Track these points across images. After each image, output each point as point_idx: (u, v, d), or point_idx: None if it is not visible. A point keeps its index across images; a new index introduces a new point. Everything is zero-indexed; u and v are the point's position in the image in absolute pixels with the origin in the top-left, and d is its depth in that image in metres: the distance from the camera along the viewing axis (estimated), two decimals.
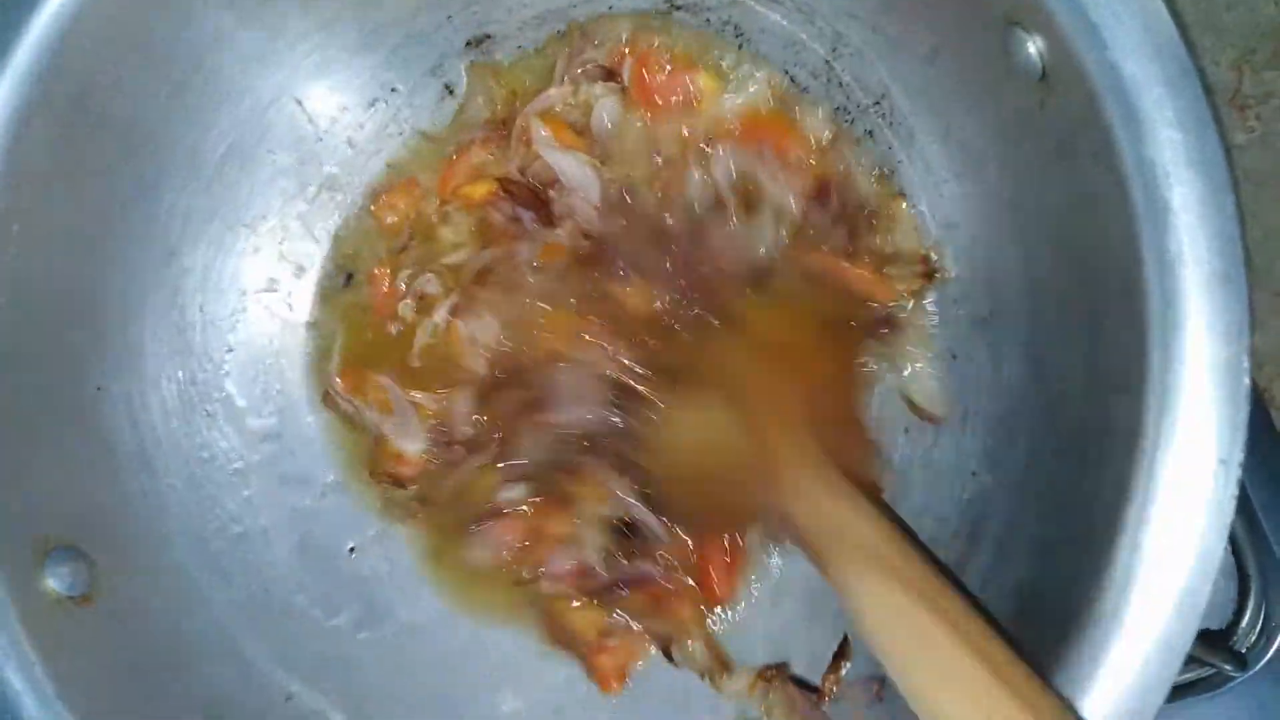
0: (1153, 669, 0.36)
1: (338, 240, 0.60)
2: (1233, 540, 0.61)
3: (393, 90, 0.60)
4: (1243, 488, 0.60)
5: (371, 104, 0.60)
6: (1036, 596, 0.43)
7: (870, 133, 0.55)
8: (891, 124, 0.54)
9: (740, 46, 0.56)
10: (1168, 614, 0.36)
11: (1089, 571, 0.38)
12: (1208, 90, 0.36)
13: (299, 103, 0.58)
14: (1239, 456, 0.35)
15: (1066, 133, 0.40)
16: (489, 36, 0.59)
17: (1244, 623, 0.60)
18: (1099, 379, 0.41)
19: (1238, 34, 0.68)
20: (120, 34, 0.48)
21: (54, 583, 0.46)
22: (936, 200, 0.53)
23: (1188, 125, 0.35)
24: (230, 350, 0.59)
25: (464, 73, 0.59)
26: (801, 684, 0.53)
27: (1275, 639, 0.59)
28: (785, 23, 0.54)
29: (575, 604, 0.55)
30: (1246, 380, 0.35)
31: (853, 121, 0.55)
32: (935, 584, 0.40)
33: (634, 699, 0.57)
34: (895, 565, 0.40)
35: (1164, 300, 0.36)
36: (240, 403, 0.59)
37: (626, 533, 0.53)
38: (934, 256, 0.53)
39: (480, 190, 0.58)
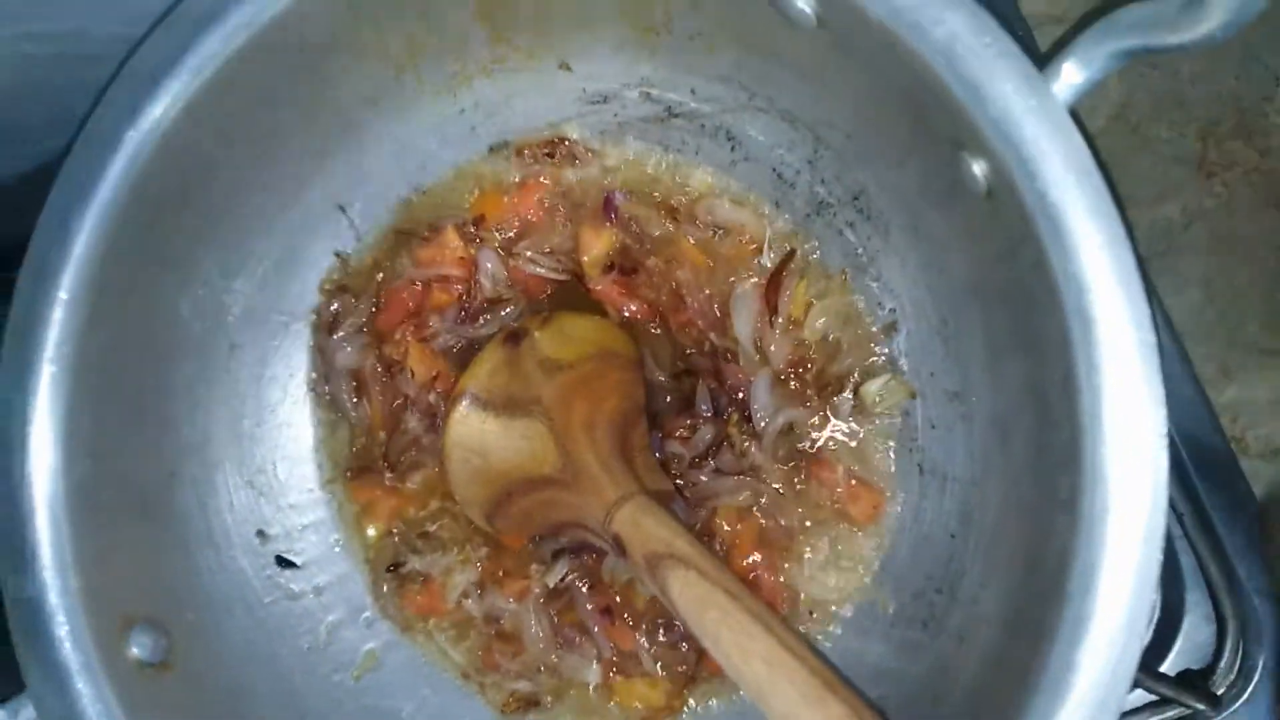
0: None
1: None
2: (1210, 586, 0.66)
3: (423, 193, 0.67)
4: (1217, 535, 0.65)
5: (405, 204, 0.67)
6: (1003, 657, 0.47)
7: (851, 224, 0.60)
8: (869, 218, 0.59)
9: (732, 149, 0.63)
10: (1104, 678, 0.40)
11: (1042, 636, 0.42)
12: (1125, 216, 0.41)
13: (341, 209, 0.65)
14: (1160, 536, 0.40)
15: (1010, 242, 0.45)
16: (508, 143, 0.66)
17: (1222, 664, 0.64)
18: (1048, 455, 0.46)
19: (1202, 106, 0.73)
20: (188, 167, 0.55)
21: (137, 651, 0.52)
22: (909, 285, 0.59)
23: (1108, 246, 0.41)
24: (281, 431, 0.66)
25: None
26: None
27: (1252, 679, 0.63)
28: (770, 129, 0.60)
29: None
30: (1165, 470, 0.40)
31: (835, 214, 0.61)
32: (726, 574, 0.50)
33: None
34: (694, 561, 0.50)
35: (1092, 396, 0.41)
36: (289, 477, 0.66)
37: None
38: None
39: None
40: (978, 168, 0.45)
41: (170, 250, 0.57)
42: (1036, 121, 0.42)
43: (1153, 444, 0.40)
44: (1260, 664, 0.64)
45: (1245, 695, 0.63)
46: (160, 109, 0.52)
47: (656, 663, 0.60)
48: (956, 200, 0.50)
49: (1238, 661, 0.64)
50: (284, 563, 0.64)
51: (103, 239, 0.52)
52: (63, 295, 0.51)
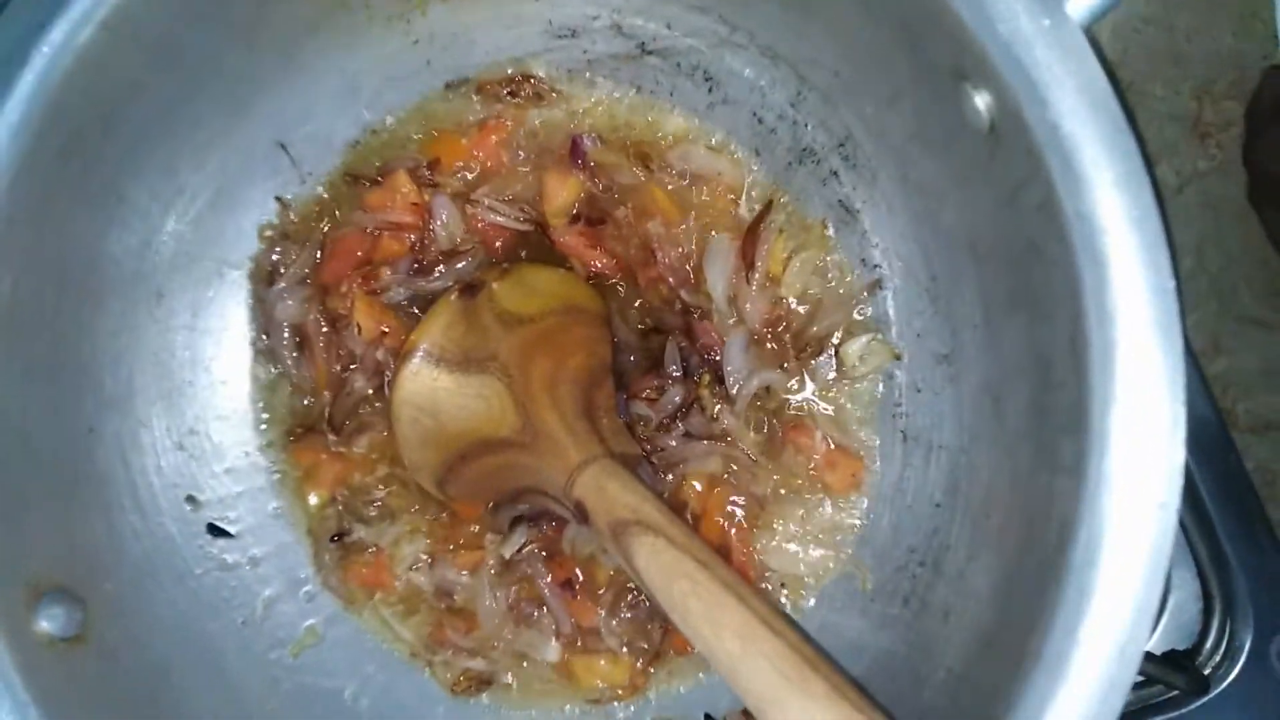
0: (1096, 710, 0.37)
1: None
2: (1198, 564, 0.63)
3: (373, 133, 0.61)
4: (1207, 514, 0.63)
5: (353, 146, 0.61)
6: (993, 636, 0.44)
7: (835, 173, 0.56)
8: (855, 165, 0.55)
9: (710, 90, 0.58)
10: (1110, 657, 0.37)
11: (1039, 611, 0.39)
12: (1144, 148, 0.37)
13: (282, 146, 0.60)
14: (1176, 502, 0.37)
15: (1014, 183, 0.41)
16: (467, 80, 0.61)
17: (1208, 644, 0.62)
18: (1048, 420, 0.42)
19: (1199, 64, 0.70)
20: (110, 88, 0.49)
21: (47, 625, 0.47)
22: (897, 239, 0.55)
23: (1123, 183, 0.37)
24: (215, 389, 0.60)
25: None
26: None
27: (1238, 661, 0.61)
28: (751, 68, 0.56)
29: None
30: (1182, 428, 0.37)
31: (819, 163, 0.57)
32: (696, 542, 0.46)
33: None
34: (662, 527, 0.46)
35: (1104, 350, 0.37)
36: (224, 438, 0.61)
37: None
38: None
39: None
40: (980, 100, 0.41)
41: (90, 182, 0.51)
42: (1048, 44, 0.38)
43: (1170, 401, 0.36)
44: (1247, 645, 0.61)
45: (1231, 676, 0.60)
46: (73, 23, 0.46)
47: (619, 639, 0.56)
48: (954, 141, 0.46)
49: (1224, 642, 0.62)
50: (217, 531, 0.59)
51: (10, 166, 0.47)
52: None
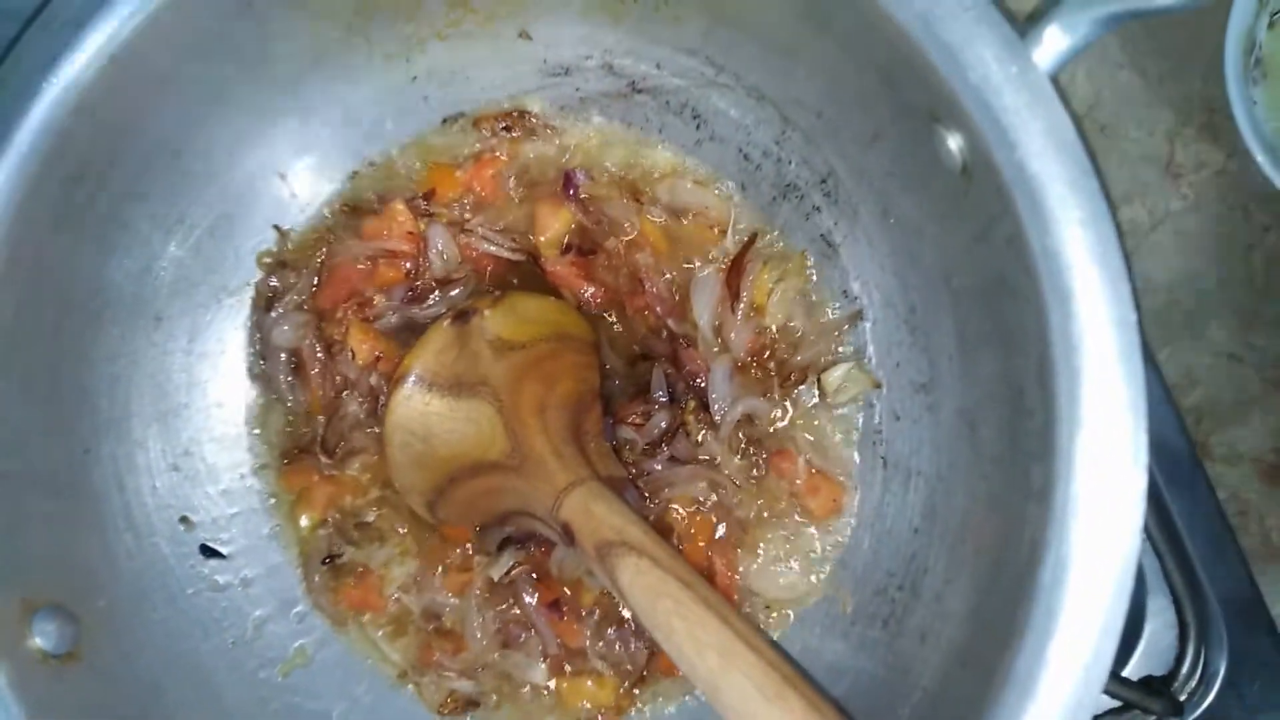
0: None
1: None
2: (1173, 591, 0.64)
3: (371, 164, 0.63)
4: (1182, 543, 0.64)
5: (352, 176, 0.63)
6: (967, 656, 0.45)
7: (817, 208, 0.58)
8: (836, 201, 0.57)
9: (698, 127, 0.60)
10: (1077, 676, 0.38)
11: (1010, 634, 0.40)
12: (1105, 189, 0.39)
13: (282, 176, 0.62)
14: (1138, 525, 0.38)
15: (985, 220, 0.43)
16: (463, 114, 0.63)
17: (1184, 670, 0.63)
18: (1020, 445, 0.44)
19: (1171, 106, 0.72)
20: (117, 117, 0.51)
21: (40, 641, 0.48)
22: (877, 272, 0.57)
23: (1087, 222, 0.39)
24: (211, 412, 0.62)
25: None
26: None
27: (1213, 686, 0.62)
28: (737, 107, 0.58)
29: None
30: (1146, 453, 0.38)
31: (802, 198, 0.59)
32: (680, 563, 0.47)
33: None
34: (647, 548, 0.47)
35: (1070, 379, 0.39)
36: (218, 460, 0.62)
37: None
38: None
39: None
40: (953, 142, 0.43)
41: (94, 210, 0.53)
42: (1016, 90, 0.40)
43: (1132, 428, 0.38)
44: (1221, 670, 0.62)
45: (1207, 702, 0.62)
46: (83, 56, 0.48)
47: (604, 661, 0.57)
48: (929, 180, 0.48)
49: (1199, 667, 0.63)
50: (209, 552, 0.60)
51: (17, 192, 0.49)
52: None
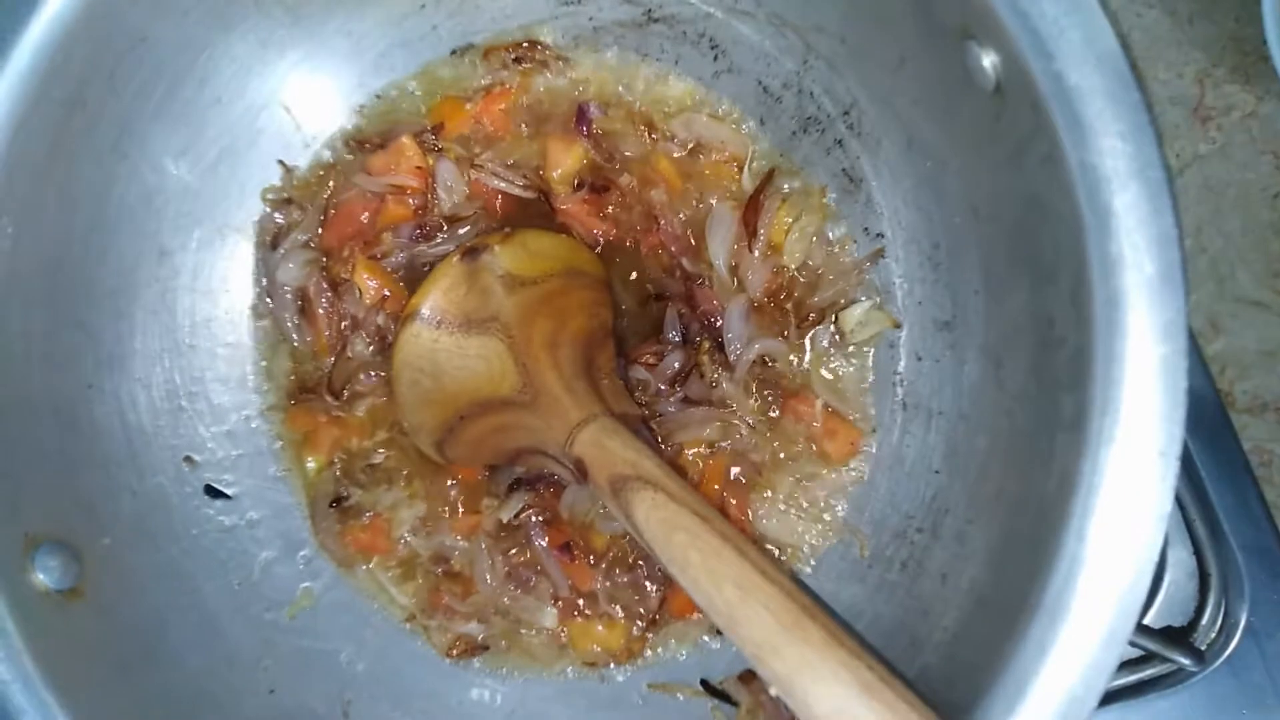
0: (1097, 655, 0.37)
1: None
2: (1195, 541, 0.63)
3: (377, 97, 0.61)
4: (1205, 490, 0.63)
5: (359, 109, 0.61)
6: (990, 593, 0.44)
7: (840, 141, 0.56)
8: (860, 133, 0.55)
9: (715, 58, 0.58)
10: (1111, 602, 0.37)
11: (1037, 566, 0.39)
12: (1148, 101, 0.37)
13: (287, 109, 0.60)
14: (1177, 449, 0.37)
15: (1019, 141, 0.41)
16: (472, 45, 0.61)
17: (1204, 620, 0.62)
18: (1049, 377, 0.42)
19: (1201, 47, 0.70)
20: (115, 38, 0.49)
21: (43, 576, 0.47)
22: (900, 207, 0.55)
23: (1128, 134, 0.37)
24: (215, 352, 0.60)
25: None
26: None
27: (1234, 636, 0.61)
28: (757, 35, 0.56)
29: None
30: (1184, 378, 0.37)
31: (823, 132, 0.57)
32: (695, 496, 0.47)
33: None
34: (662, 482, 0.47)
35: (1107, 300, 0.37)
36: (224, 400, 0.60)
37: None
38: None
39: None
40: (987, 59, 0.42)
41: (94, 136, 0.51)
42: None
43: (1174, 350, 0.36)
44: (1243, 620, 0.61)
45: (1228, 651, 0.61)
46: None
47: (616, 604, 0.56)
48: (958, 105, 0.46)
49: (1220, 617, 0.62)
50: (214, 493, 0.59)
51: (15, 113, 0.47)
52: None
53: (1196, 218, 0.70)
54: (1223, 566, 0.62)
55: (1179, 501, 0.63)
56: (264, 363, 0.62)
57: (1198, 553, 0.63)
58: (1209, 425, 0.65)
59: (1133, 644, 0.59)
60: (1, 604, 0.45)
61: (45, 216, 0.50)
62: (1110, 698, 0.61)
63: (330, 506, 0.60)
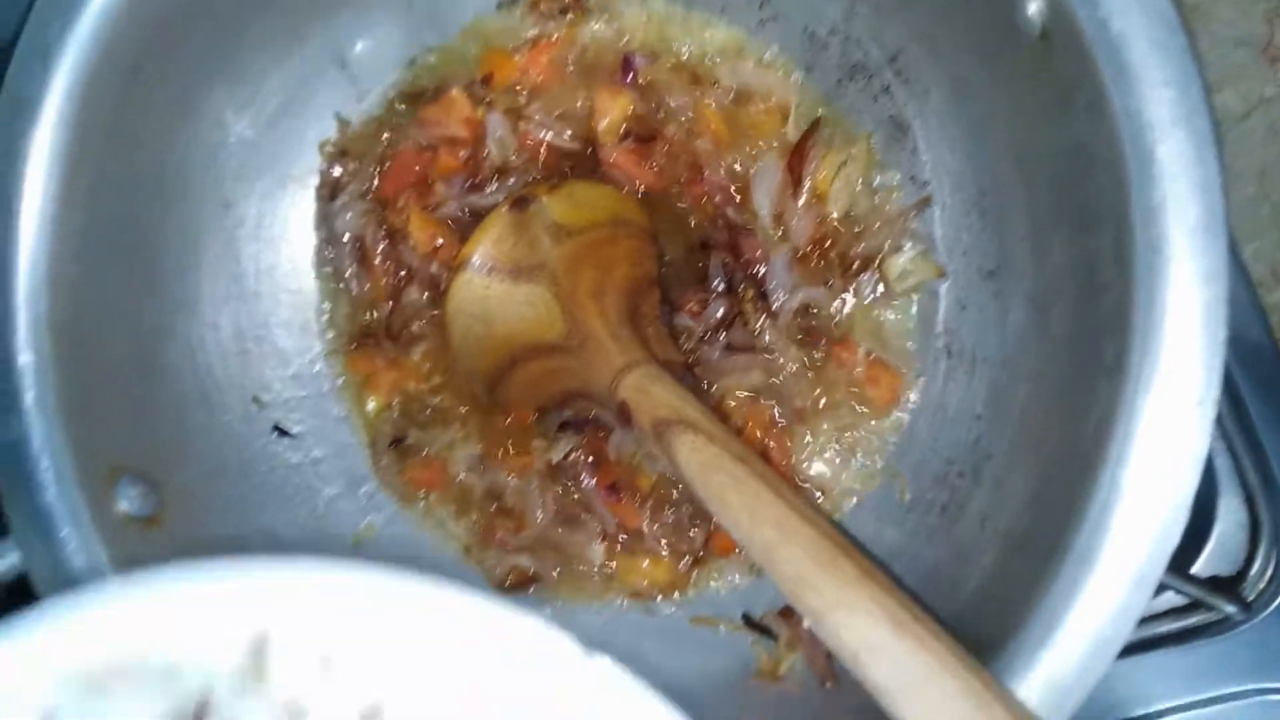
0: (1126, 598, 0.38)
1: None
2: (1247, 490, 0.63)
3: (428, 50, 0.63)
4: (1258, 437, 0.62)
5: (410, 63, 0.63)
6: (1025, 537, 0.45)
7: (887, 88, 0.56)
8: (906, 81, 0.55)
9: (761, 5, 0.58)
10: (1142, 548, 0.38)
11: (1072, 510, 0.40)
12: (1194, 49, 0.37)
13: (342, 64, 0.62)
14: (1215, 397, 0.37)
15: (1064, 87, 0.41)
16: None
17: (1254, 570, 0.62)
18: (1091, 324, 0.43)
19: None
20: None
21: (125, 504, 0.51)
22: (946, 155, 0.55)
23: (1173, 81, 0.37)
24: (279, 298, 0.63)
25: None
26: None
27: None
28: None
29: None
30: (1223, 328, 0.37)
31: (870, 79, 0.56)
32: (735, 440, 0.48)
33: None
34: (703, 426, 0.48)
35: (1149, 247, 0.38)
36: (288, 345, 0.63)
37: None
38: None
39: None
40: (1033, 4, 0.41)
41: (158, 95, 0.53)
42: None
43: (1212, 298, 0.37)
44: None
45: (1277, 602, 0.60)
46: None
47: (661, 541, 0.58)
48: (1006, 50, 0.46)
49: (1270, 567, 0.61)
50: (281, 432, 0.62)
51: (82, 78, 0.49)
52: (46, 125, 0.48)
53: (1261, 162, 0.68)
54: (1274, 516, 0.62)
55: (1231, 450, 0.63)
56: (326, 308, 0.64)
57: (1249, 501, 0.63)
58: (1265, 374, 0.63)
59: (1179, 591, 0.59)
60: (91, 529, 0.49)
61: (115, 173, 0.53)
62: (1155, 643, 0.61)
63: (390, 446, 0.63)
